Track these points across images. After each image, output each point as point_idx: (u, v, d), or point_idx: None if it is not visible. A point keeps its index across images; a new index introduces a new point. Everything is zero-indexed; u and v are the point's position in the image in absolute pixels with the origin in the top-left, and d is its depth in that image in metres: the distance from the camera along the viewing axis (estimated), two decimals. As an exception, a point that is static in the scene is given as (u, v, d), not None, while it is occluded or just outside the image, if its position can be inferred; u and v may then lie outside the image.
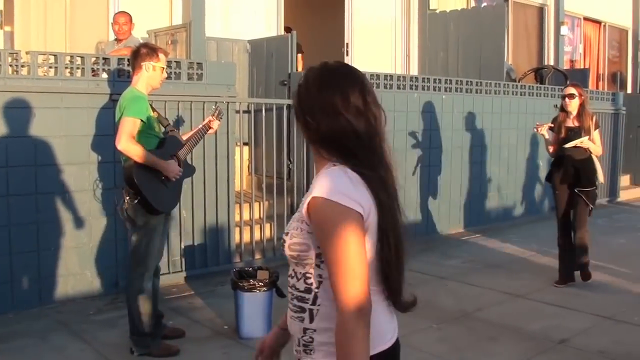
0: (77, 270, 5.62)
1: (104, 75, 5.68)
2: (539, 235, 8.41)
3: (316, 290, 1.81)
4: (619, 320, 5.29)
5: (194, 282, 6.18)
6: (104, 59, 5.70)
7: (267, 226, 6.97)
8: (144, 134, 4.31)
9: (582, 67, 14.63)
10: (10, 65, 5.22)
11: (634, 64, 16.54)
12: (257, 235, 6.90)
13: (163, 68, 4.46)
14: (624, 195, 12.28)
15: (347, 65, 1.96)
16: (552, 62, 13.44)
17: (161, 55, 4.42)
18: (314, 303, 1.82)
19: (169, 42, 7.50)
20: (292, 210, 7.24)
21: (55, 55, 5.46)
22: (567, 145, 6.08)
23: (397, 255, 1.83)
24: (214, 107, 5.24)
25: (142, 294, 4.38)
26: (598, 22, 15.73)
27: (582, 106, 6.12)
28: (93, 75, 5.61)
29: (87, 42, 7.70)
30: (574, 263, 6.24)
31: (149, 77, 4.40)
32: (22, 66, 5.29)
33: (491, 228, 9.03)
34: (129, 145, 4.17)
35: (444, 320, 5.28)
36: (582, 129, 6.08)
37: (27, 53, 5.34)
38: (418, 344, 4.72)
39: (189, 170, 4.82)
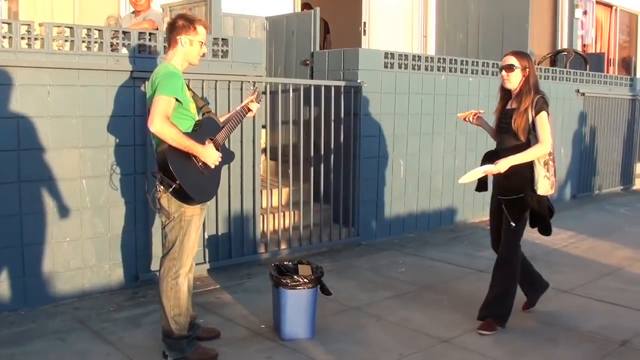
0: (94, 262, 5.16)
1: (124, 51, 5.20)
2: (567, 221, 8.05)
3: None
4: (678, 320, 4.93)
5: (218, 275, 5.75)
6: (123, 32, 5.21)
7: (292, 214, 6.53)
8: (178, 114, 3.84)
9: (594, 51, 14.25)
10: (23, 38, 4.72)
11: (644, 48, 16.19)
12: (280, 224, 6.46)
13: (202, 42, 3.98)
14: (639, 183, 11.96)
15: None
16: (565, 46, 13.05)
17: (200, 28, 3.93)
18: None
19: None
20: (316, 198, 6.79)
21: (71, 28, 4.94)
22: (460, 181, 4.74)
23: None
24: (252, 87, 4.76)
25: (177, 293, 3.92)
26: (609, 6, 15.33)
27: (525, 82, 4.56)
28: (112, 51, 5.13)
29: (96, 16, 7.18)
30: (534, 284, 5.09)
31: (185, 52, 3.92)
32: (35, 39, 4.79)
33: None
34: (163, 127, 3.68)
35: (495, 319, 4.88)
36: (517, 112, 4.52)
37: (40, 25, 4.85)
38: (474, 346, 4.35)
39: (228, 155, 4.28)
